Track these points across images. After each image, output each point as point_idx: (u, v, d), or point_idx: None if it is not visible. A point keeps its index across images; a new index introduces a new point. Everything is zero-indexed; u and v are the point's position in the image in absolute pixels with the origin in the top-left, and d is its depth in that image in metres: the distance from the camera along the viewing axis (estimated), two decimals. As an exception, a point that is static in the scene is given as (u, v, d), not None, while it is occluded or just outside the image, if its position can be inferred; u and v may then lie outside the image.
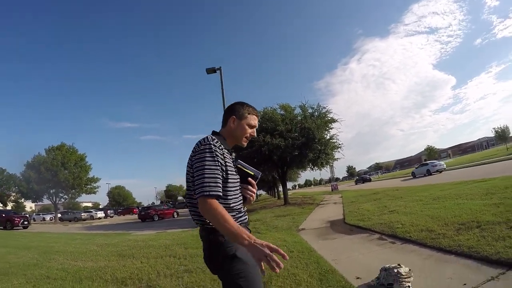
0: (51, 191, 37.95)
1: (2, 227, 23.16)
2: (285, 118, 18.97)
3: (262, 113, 19.21)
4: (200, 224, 1.64)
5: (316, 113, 19.35)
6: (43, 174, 34.77)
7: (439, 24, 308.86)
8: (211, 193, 1.43)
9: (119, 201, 76.39)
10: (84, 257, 7.40)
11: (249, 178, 1.77)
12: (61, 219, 40.55)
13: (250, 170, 1.79)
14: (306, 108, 19.62)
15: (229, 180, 1.60)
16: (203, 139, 1.61)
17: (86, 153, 39.93)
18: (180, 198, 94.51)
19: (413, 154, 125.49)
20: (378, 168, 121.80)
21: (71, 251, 8.60)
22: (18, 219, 24.26)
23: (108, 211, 48.63)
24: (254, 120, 1.82)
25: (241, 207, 1.70)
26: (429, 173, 30.23)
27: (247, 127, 1.79)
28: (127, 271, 5.35)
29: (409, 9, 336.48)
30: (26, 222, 25.00)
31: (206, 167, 1.49)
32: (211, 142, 1.56)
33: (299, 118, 19.40)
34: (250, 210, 18.35)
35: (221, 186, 1.51)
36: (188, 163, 1.64)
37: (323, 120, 18.81)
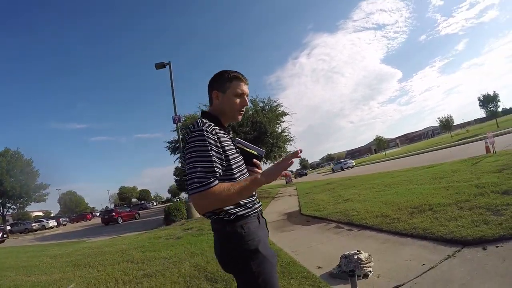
0: (-3, 201, 34.51)
1: None
2: (236, 112, 18.81)
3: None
4: (212, 216, 1.41)
5: (267, 107, 19.51)
6: (-14, 183, 31.45)
7: (386, 21, 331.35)
8: (206, 187, 1.22)
9: (72, 207, 72.05)
10: (38, 271, 6.94)
11: (254, 160, 1.56)
12: (11, 232, 36.94)
13: (253, 149, 1.59)
14: (257, 102, 19.71)
15: (233, 166, 1.39)
16: (193, 124, 1.36)
17: (32, 158, 36.75)
18: (134, 200, 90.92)
19: (363, 144, 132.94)
20: (330, 159, 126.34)
21: (23, 266, 8.10)
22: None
23: (61, 219, 45.53)
24: (240, 87, 1.51)
25: (254, 193, 1.48)
26: (342, 169, 38.48)
27: (234, 98, 1.50)
28: (84, 282, 5.11)
29: (357, 6, 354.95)
30: (5, 236, 22.58)
31: (198, 158, 1.27)
32: (202, 128, 1.31)
33: (250, 112, 19.39)
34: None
35: (219, 174, 1.29)
36: (182, 154, 1.36)
37: (274, 114, 19.02)
